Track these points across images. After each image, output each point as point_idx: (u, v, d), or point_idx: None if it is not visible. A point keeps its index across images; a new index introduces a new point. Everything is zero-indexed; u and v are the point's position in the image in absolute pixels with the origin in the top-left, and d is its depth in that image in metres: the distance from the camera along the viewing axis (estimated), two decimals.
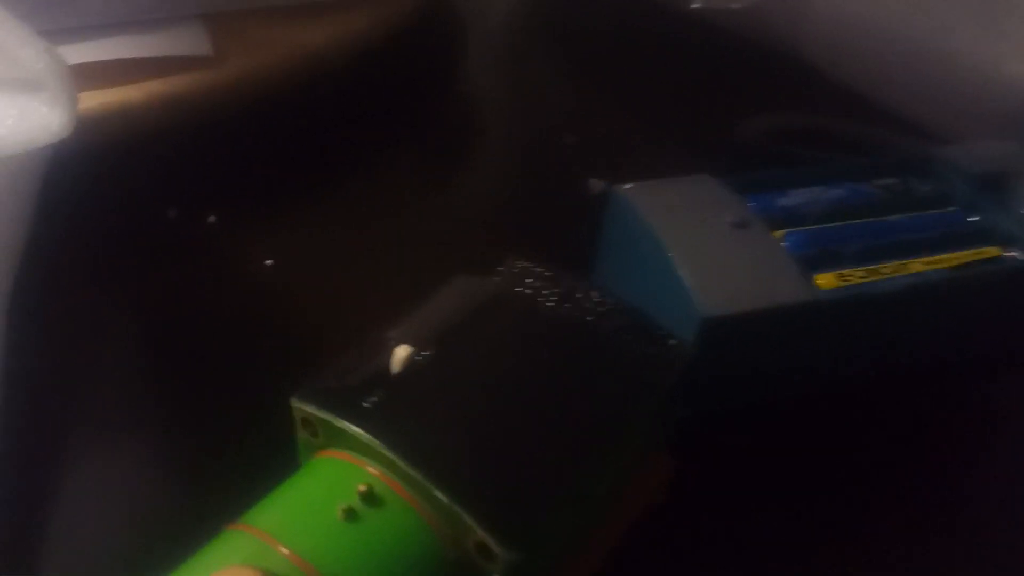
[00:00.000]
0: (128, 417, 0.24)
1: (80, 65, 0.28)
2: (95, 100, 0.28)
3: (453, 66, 0.41)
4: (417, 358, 0.19)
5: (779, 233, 0.26)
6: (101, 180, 0.28)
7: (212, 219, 0.30)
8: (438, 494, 0.16)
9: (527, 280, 0.22)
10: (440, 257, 0.29)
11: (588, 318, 0.21)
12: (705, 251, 0.24)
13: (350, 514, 0.16)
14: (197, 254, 0.29)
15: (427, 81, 0.39)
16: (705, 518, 0.24)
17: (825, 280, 0.25)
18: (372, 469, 0.17)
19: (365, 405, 0.18)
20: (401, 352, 0.19)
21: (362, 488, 0.16)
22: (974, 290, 0.26)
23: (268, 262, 0.29)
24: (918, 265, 0.26)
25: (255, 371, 0.25)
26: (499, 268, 0.22)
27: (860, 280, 0.25)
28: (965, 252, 0.26)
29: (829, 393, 0.27)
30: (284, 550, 0.15)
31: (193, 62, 0.30)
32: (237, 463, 0.22)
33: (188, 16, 0.31)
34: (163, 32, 0.30)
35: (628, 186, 0.26)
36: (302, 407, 0.18)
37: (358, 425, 0.17)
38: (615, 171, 0.33)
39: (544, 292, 0.21)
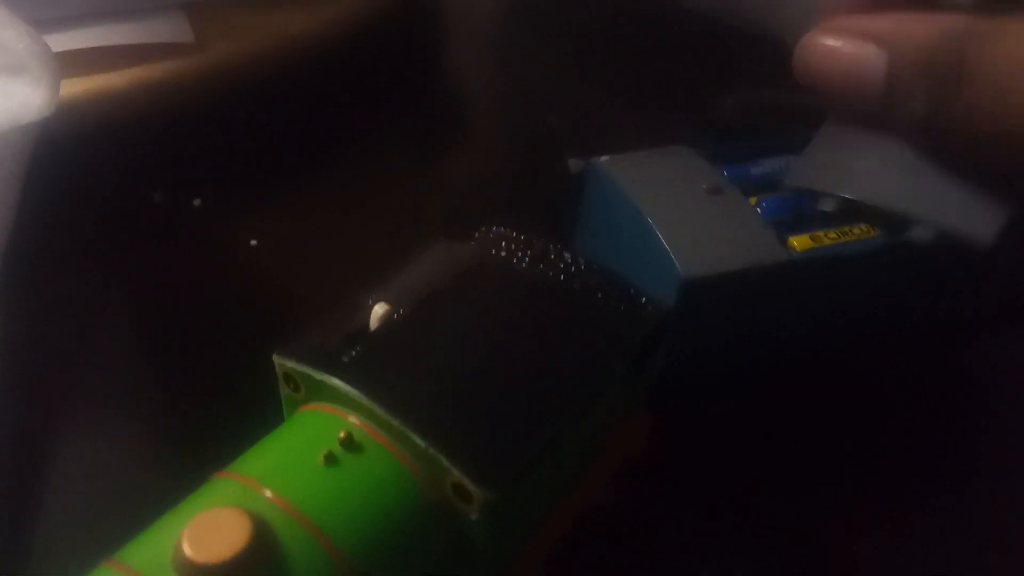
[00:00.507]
0: (119, 390, 0.25)
1: (64, 53, 0.28)
2: (79, 87, 0.29)
3: (435, 51, 0.41)
4: (395, 316, 0.19)
5: (753, 199, 0.26)
6: (87, 166, 0.28)
7: (197, 202, 0.30)
8: (415, 438, 0.17)
9: (502, 244, 0.22)
10: (421, 233, 0.29)
11: (562, 277, 0.21)
12: (683, 216, 0.25)
13: (330, 459, 0.16)
14: (183, 236, 0.30)
15: (408, 66, 0.39)
16: (680, 477, 0.24)
17: (799, 242, 0.25)
18: (352, 419, 0.17)
19: (344, 359, 0.18)
20: (379, 310, 0.19)
21: (342, 435, 0.17)
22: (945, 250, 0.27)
23: (252, 242, 0.29)
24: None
25: (241, 341, 0.26)
26: (475, 234, 0.23)
27: (832, 241, 0.26)
28: None
29: (808, 359, 0.27)
30: (268, 493, 0.16)
31: (175, 49, 0.30)
32: (226, 424, 0.23)
33: (169, 4, 0.31)
34: (145, 20, 0.30)
35: (605, 158, 0.27)
36: (283, 362, 0.18)
37: (338, 377, 0.18)
38: (597, 151, 0.34)
39: (518, 254, 0.22)
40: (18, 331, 0.23)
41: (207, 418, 0.24)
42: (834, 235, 0.26)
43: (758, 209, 0.26)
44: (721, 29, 0.38)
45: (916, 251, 0.26)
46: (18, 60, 0.18)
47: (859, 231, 0.26)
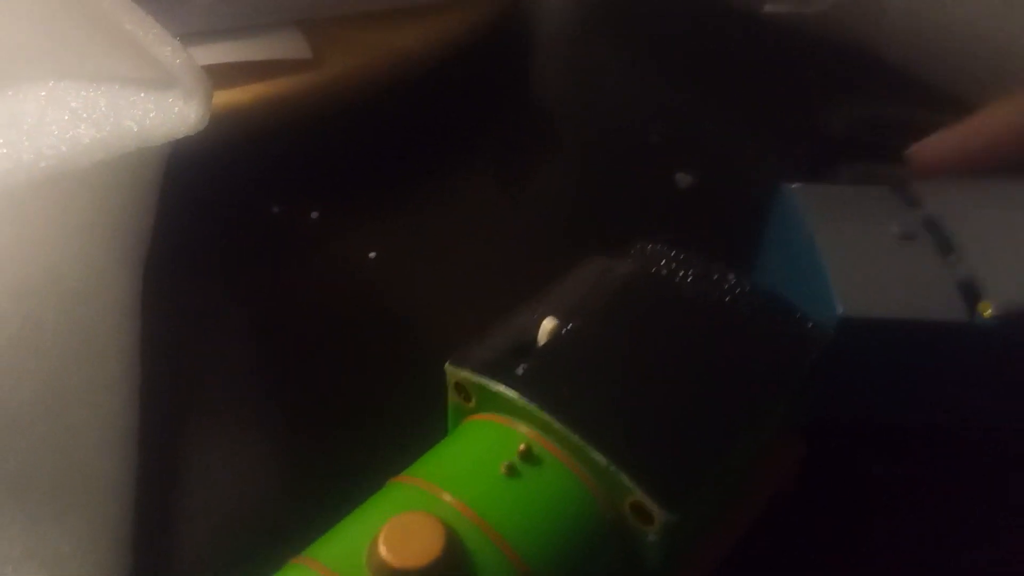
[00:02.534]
0: (248, 397, 0.26)
1: None
2: None
3: (531, 67, 0.42)
4: (563, 331, 0.19)
5: None
6: (210, 179, 0.29)
7: (315, 215, 0.31)
8: (596, 455, 0.17)
9: (660, 261, 0.22)
10: (542, 231, 0.29)
11: (726, 298, 0.21)
12: (859, 254, 0.24)
13: (511, 470, 0.17)
14: (303, 248, 0.31)
15: (509, 81, 0.40)
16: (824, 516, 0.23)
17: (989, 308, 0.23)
18: (527, 431, 0.17)
19: (518, 371, 0.18)
20: (548, 324, 0.20)
21: (522, 447, 0.17)
22: None
23: (371, 254, 0.30)
24: None
25: (367, 351, 0.26)
26: (630, 251, 0.23)
27: None
28: None
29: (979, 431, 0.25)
30: (448, 497, 0.16)
31: (294, 65, 0.31)
32: (377, 436, 0.23)
33: (288, 22, 0.33)
34: (265, 37, 0.32)
35: (796, 185, 0.26)
36: (457, 372, 0.19)
37: (515, 389, 0.18)
38: (703, 168, 0.33)
39: (680, 272, 0.22)
40: (160, 339, 0.24)
41: (358, 427, 0.24)
42: None
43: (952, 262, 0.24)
44: (823, 49, 0.37)
45: None
46: (170, 75, 0.19)
47: None
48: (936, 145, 0.26)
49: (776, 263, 0.27)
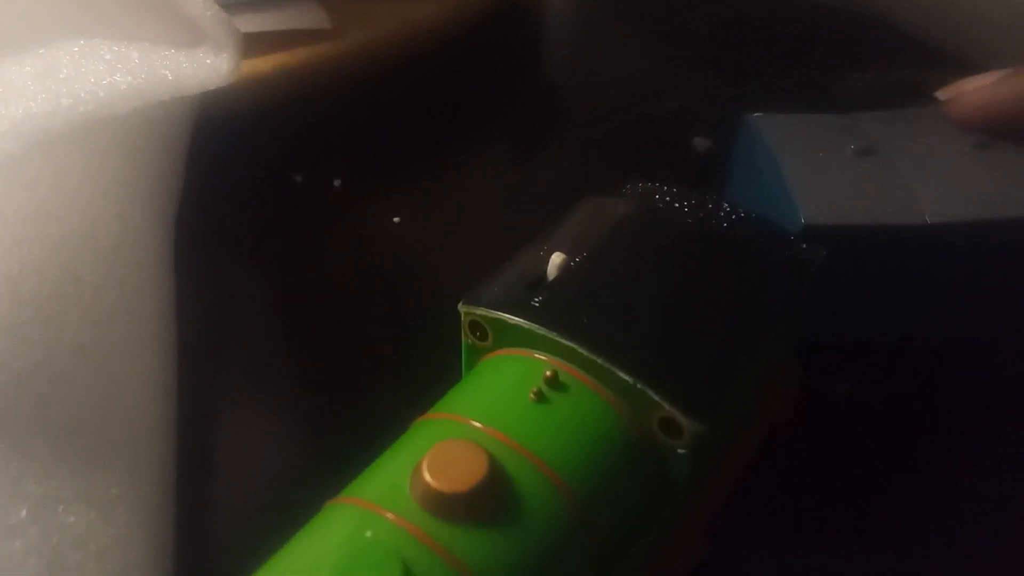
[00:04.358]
0: (279, 360, 0.26)
1: None
2: None
3: (543, 40, 0.43)
4: (571, 263, 0.20)
5: None
6: (234, 148, 0.29)
7: (337, 183, 0.31)
8: (622, 375, 0.17)
9: (655, 196, 0.22)
10: (558, 196, 0.29)
11: (724, 225, 0.21)
12: (819, 171, 0.25)
13: (540, 396, 0.17)
14: (326, 215, 0.31)
15: (523, 52, 0.40)
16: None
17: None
18: (550, 360, 0.18)
19: (533, 303, 0.18)
20: (556, 259, 0.20)
21: (548, 374, 0.17)
22: None
23: (395, 219, 0.30)
24: None
25: (397, 311, 0.26)
26: (621, 190, 0.23)
27: None
28: None
29: (963, 343, 0.26)
30: (480, 425, 0.16)
31: (313, 35, 0.32)
32: (401, 387, 0.23)
33: None
34: (285, 8, 0.32)
35: (758, 115, 0.27)
36: (472, 310, 0.19)
37: (533, 319, 0.18)
38: (720, 131, 0.34)
39: (676, 205, 0.22)
40: (192, 301, 0.24)
41: (366, 380, 0.24)
42: None
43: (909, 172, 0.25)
44: (831, 15, 0.38)
45: None
46: (198, 31, 0.19)
47: None
48: (974, 93, 0.26)
49: (742, 191, 0.28)
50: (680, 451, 0.17)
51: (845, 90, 0.35)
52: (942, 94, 0.27)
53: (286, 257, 0.29)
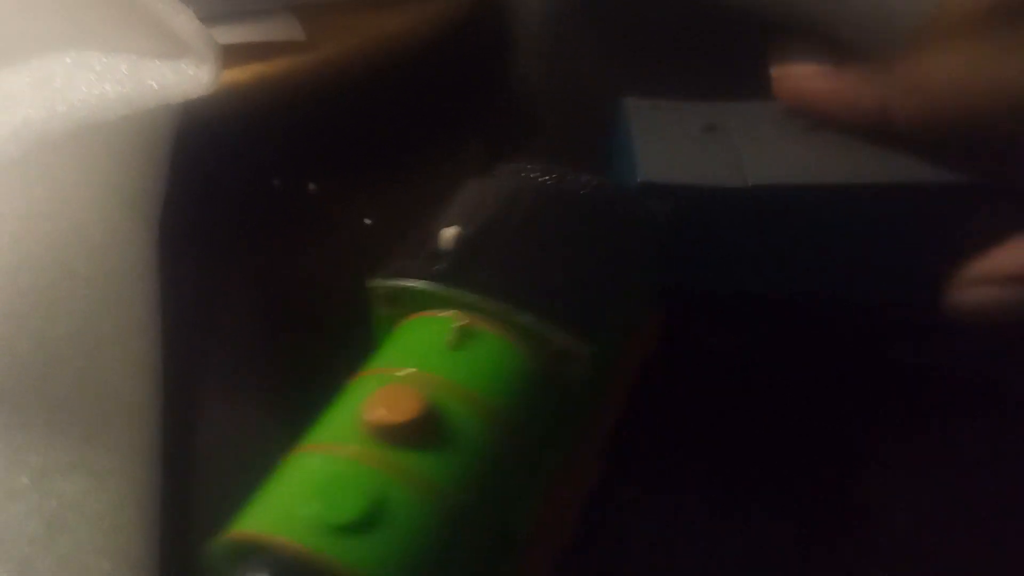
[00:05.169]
0: (256, 349, 0.28)
1: None
2: None
3: (513, 49, 0.45)
4: (463, 234, 0.23)
5: None
6: (214, 153, 0.31)
7: (312, 187, 0.33)
8: (521, 318, 0.20)
9: (522, 173, 0.26)
10: None
11: (583, 191, 0.25)
12: (664, 142, 0.29)
13: (455, 344, 0.20)
14: (302, 217, 0.33)
15: (493, 62, 0.43)
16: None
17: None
18: (457, 315, 0.21)
19: (436, 270, 0.21)
20: (449, 232, 0.23)
21: (457, 324, 0.20)
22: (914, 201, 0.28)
23: (367, 221, 0.33)
24: None
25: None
26: (494, 170, 0.27)
27: None
28: None
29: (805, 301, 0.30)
30: (410, 371, 0.19)
31: (289, 47, 0.34)
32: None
33: (281, 7, 0.35)
34: (261, 21, 0.34)
35: (629, 98, 0.30)
36: (383, 283, 0.22)
37: (439, 283, 0.21)
38: None
39: (541, 178, 0.26)
40: (175, 295, 0.26)
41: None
42: None
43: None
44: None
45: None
46: (181, 44, 0.21)
47: None
48: (805, 75, 0.27)
49: (617, 165, 0.31)
50: (574, 375, 0.20)
51: None
52: (773, 70, 0.28)
53: (263, 255, 0.31)
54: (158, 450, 0.22)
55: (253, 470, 0.18)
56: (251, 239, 0.32)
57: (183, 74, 0.20)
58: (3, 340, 0.18)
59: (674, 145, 0.29)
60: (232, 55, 0.31)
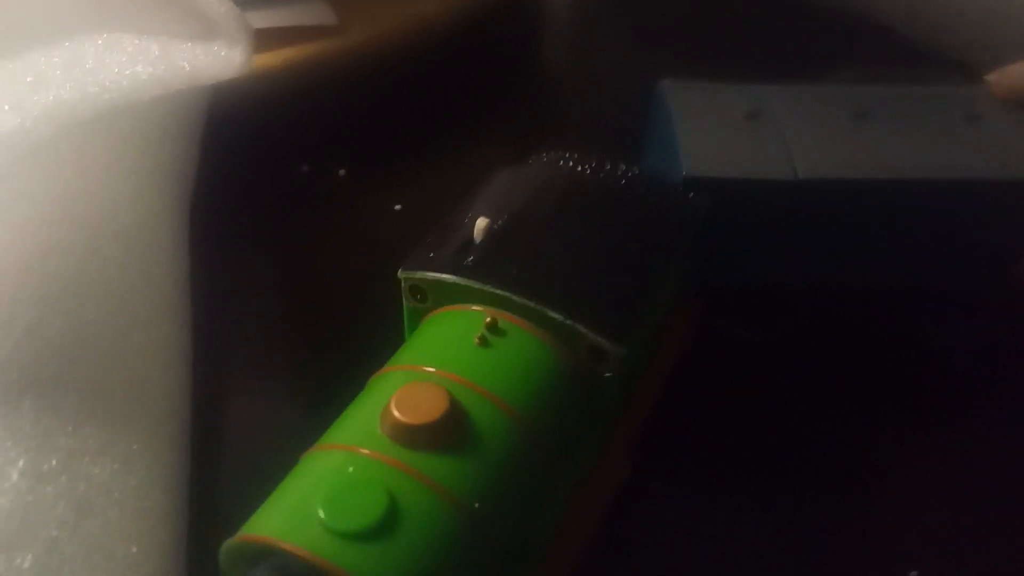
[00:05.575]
0: (283, 337, 0.28)
1: None
2: None
3: (543, 35, 0.45)
4: (495, 226, 0.22)
5: None
6: (244, 140, 0.31)
7: (342, 173, 0.33)
8: (552, 315, 0.20)
9: (559, 163, 0.25)
10: None
11: (621, 182, 0.24)
12: (708, 130, 0.27)
13: (483, 341, 0.19)
14: (332, 203, 0.33)
15: (522, 47, 0.43)
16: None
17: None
18: (486, 310, 0.20)
19: (467, 263, 0.21)
20: (481, 223, 0.22)
21: (488, 320, 0.20)
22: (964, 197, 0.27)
23: (397, 207, 0.32)
24: None
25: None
26: (527, 159, 0.26)
27: None
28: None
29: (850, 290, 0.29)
30: (434, 370, 0.18)
31: (320, 31, 0.33)
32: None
33: None
34: (295, 6, 0.34)
35: (667, 81, 0.29)
36: (411, 275, 0.21)
37: (469, 277, 0.20)
38: None
39: (579, 168, 0.25)
40: (204, 281, 0.26)
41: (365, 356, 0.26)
42: None
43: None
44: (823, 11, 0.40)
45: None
46: (213, 25, 0.20)
47: None
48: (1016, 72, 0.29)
49: (654, 152, 0.31)
50: (606, 375, 0.20)
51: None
52: (990, 76, 0.30)
53: (292, 240, 0.31)
54: (186, 435, 0.22)
55: (278, 457, 0.18)
56: (280, 224, 0.32)
57: (215, 55, 0.20)
58: (34, 323, 0.18)
59: (717, 134, 0.28)
60: (263, 39, 0.31)
